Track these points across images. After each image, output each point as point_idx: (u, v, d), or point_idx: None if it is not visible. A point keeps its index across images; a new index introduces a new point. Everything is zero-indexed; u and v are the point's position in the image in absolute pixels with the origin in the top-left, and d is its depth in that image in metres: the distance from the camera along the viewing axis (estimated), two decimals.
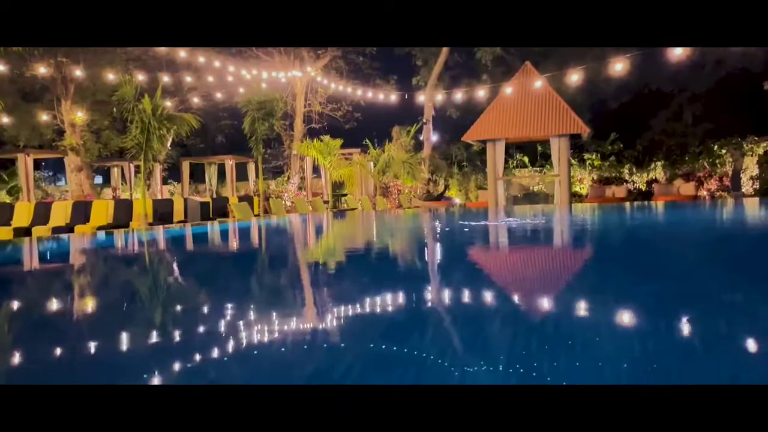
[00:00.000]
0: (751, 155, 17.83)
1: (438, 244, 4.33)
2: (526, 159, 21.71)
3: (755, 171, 17.65)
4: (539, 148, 21.29)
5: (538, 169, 21.31)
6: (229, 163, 20.96)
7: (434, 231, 5.59)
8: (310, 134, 21.31)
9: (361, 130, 22.26)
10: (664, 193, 17.75)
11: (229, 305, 2.03)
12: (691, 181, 18.15)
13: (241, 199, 15.85)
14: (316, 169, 21.16)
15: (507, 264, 3.07)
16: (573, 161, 19.88)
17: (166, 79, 16.95)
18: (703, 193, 18.18)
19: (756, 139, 18.13)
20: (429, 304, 1.90)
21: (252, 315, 1.83)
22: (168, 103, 15.86)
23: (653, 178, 19.28)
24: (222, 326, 1.65)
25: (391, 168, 18.70)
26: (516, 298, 1.97)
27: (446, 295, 2.06)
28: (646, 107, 22.39)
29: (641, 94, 22.96)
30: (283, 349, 1.40)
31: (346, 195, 19.07)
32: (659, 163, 19.31)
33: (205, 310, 2.01)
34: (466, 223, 6.45)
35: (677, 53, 10.63)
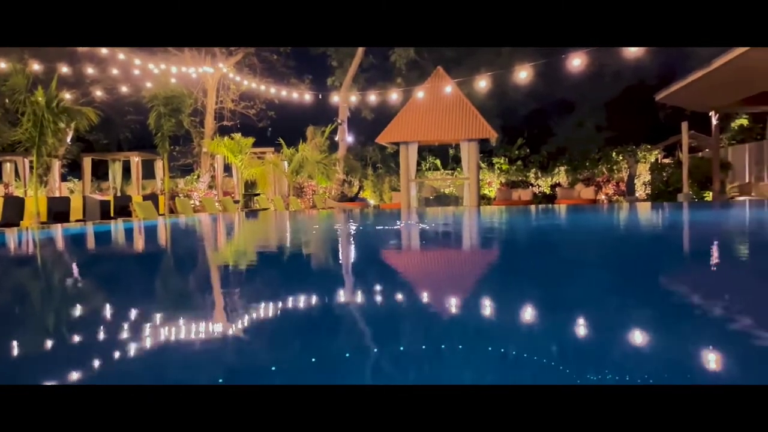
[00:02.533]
0: (644, 162, 19.07)
1: (343, 244, 4.33)
2: (438, 162, 22.17)
3: (648, 177, 18.88)
4: (451, 151, 21.82)
5: (449, 171, 21.82)
6: (135, 160, 20.09)
7: (342, 231, 5.59)
8: (222, 132, 20.78)
9: (275, 129, 22.01)
10: (566, 197, 18.65)
11: (108, 307, 1.94)
12: (591, 186, 19.17)
13: (145, 197, 15.23)
14: (228, 168, 20.66)
15: (404, 265, 3.11)
16: (482, 165, 20.50)
17: (65, 69, 16.02)
18: (602, 197, 19.23)
19: (649, 147, 19.42)
20: (330, 303, 1.88)
21: (140, 317, 1.75)
22: (67, 96, 14.99)
23: (557, 182, 20.20)
24: (111, 330, 1.57)
25: (305, 168, 18.56)
26: (414, 298, 1.99)
27: (347, 294, 2.06)
28: (551, 115, 23.46)
29: (547, 102, 24.04)
30: (181, 351, 1.35)
31: (258, 195, 18.74)
32: (562, 168, 20.26)
33: (80, 312, 1.90)
34: (365, 223, 6.50)
35: (576, 64, 11.17)
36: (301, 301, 1.98)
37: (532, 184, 20.42)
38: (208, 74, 20.75)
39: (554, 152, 21.25)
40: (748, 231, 4.96)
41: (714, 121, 15.79)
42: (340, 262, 3.37)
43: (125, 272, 3.17)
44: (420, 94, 16.17)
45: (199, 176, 20.75)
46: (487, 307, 1.84)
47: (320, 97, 18.32)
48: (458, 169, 21.10)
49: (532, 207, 13.38)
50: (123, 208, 13.40)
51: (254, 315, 1.76)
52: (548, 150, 21.37)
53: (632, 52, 11.29)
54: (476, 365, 1.16)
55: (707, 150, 18.00)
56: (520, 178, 20.62)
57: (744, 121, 19.45)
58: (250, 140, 16.09)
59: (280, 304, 1.93)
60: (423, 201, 18.86)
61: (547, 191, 20.14)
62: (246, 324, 1.64)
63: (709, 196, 16.58)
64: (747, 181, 17.02)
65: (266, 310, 1.84)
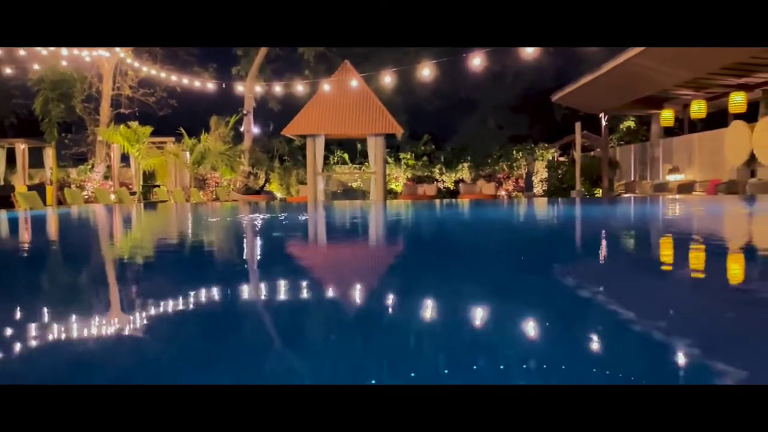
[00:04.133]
0: (542, 160, 20.00)
1: (218, 237, 4.23)
2: (346, 156, 22.21)
3: (545, 174, 19.81)
4: (359, 145, 21.92)
5: (357, 165, 21.91)
6: (21, 147, 18.68)
7: (229, 224, 5.47)
8: (119, 120, 19.72)
9: (177, 118, 21.14)
10: (469, 192, 19.24)
11: None
12: (492, 182, 19.87)
13: (31, 187, 14.24)
14: (126, 158, 19.64)
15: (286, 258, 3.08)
16: (389, 160, 20.74)
17: None
18: (502, 192, 19.99)
19: (546, 146, 20.39)
20: (203, 301, 1.82)
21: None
22: None
23: (460, 178, 20.79)
24: None
25: (208, 159, 18.03)
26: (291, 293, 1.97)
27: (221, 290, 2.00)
28: (456, 112, 24.08)
29: (452, 100, 24.65)
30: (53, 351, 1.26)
31: (158, 186, 17.99)
32: (466, 165, 20.86)
33: None
34: (261, 217, 6.41)
35: (476, 63, 11.53)
36: (172, 298, 1.93)
37: (436, 180, 20.90)
38: (103, 58, 19.62)
39: (458, 149, 21.86)
40: (623, 224, 5.32)
41: (603, 123, 16.80)
42: (215, 255, 3.30)
43: None
44: (326, 87, 16.11)
45: (93, 166, 19.61)
46: (370, 299, 1.85)
47: (224, 86, 17.81)
48: (366, 163, 21.23)
49: (436, 201, 13.69)
50: (3, 199, 12.46)
51: (116, 314, 1.69)
52: (452, 146, 21.94)
53: (530, 53, 11.79)
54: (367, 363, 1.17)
55: (598, 150, 19.14)
56: (425, 174, 21.04)
57: (631, 123, 20.84)
58: (148, 129, 15.43)
59: (149, 302, 1.86)
60: (330, 194, 18.83)
61: (451, 187, 20.69)
62: (101, 323, 1.58)
63: (599, 192, 17.64)
64: (632, 179, 18.25)
65: (134, 307, 1.77)
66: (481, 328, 1.35)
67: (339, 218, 6.54)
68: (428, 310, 1.56)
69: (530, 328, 1.33)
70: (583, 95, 14.93)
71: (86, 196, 16.51)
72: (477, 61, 11.44)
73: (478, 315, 1.47)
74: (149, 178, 18.78)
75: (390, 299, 1.75)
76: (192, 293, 1.84)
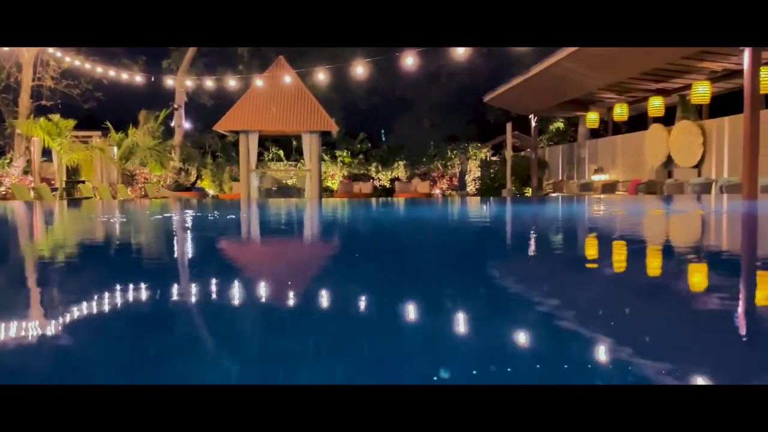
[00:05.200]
0: (475, 159, 20.38)
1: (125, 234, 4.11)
2: (281, 152, 21.96)
3: (477, 173, 20.20)
4: (294, 142, 21.72)
5: (293, 163, 21.70)
6: None
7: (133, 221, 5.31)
8: (41, 112, 18.76)
9: (104, 111, 20.32)
10: (404, 191, 19.40)
11: None
12: (426, 181, 20.10)
13: None
14: (48, 152, 18.70)
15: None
16: (326, 157, 20.65)
17: None
18: (437, 191, 20.26)
19: (479, 145, 20.79)
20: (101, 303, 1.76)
21: None
22: None
23: (396, 176, 20.93)
24: None
25: (137, 155, 17.44)
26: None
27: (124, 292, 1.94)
28: (392, 110, 24.24)
29: (388, 99, 24.81)
30: None
31: (83, 182, 17.23)
32: (401, 163, 21.02)
33: None
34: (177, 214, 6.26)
35: (409, 63, 11.63)
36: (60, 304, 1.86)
37: (372, 178, 20.96)
38: (23, 48, 18.61)
39: (394, 147, 22.00)
40: (543, 223, 5.50)
41: (533, 124, 17.29)
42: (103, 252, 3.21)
43: None
44: (259, 82, 15.87)
45: (11, 160, 18.59)
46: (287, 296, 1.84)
47: (153, 79, 17.23)
48: (301, 160, 21.05)
49: (371, 200, 13.73)
50: None
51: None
52: (388, 145, 22.07)
53: (461, 54, 11.99)
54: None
55: (529, 150, 19.68)
56: (361, 172, 21.07)
57: (560, 125, 21.53)
58: (71, 122, 14.79)
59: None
60: (264, 192, 18.58)
61: (387, 185, 20.80)
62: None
63: (528, 191, 18.15)
64: (560, 179, 18.87)
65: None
66: (404, 324, 1.37)
67: (267, 217, 6.47)
68: (352, 307, 1.56)
69: (451, 322, 1.36)
70: (514, 96, 15.32)
71: (3, 192, 15.66)
72: (410, 60, 11.54)
73: (404, 312, 1.50)
74: (73, 173, 17.96)
75: (314, 298, 1.75)
76: (99, 296, 1.79)
